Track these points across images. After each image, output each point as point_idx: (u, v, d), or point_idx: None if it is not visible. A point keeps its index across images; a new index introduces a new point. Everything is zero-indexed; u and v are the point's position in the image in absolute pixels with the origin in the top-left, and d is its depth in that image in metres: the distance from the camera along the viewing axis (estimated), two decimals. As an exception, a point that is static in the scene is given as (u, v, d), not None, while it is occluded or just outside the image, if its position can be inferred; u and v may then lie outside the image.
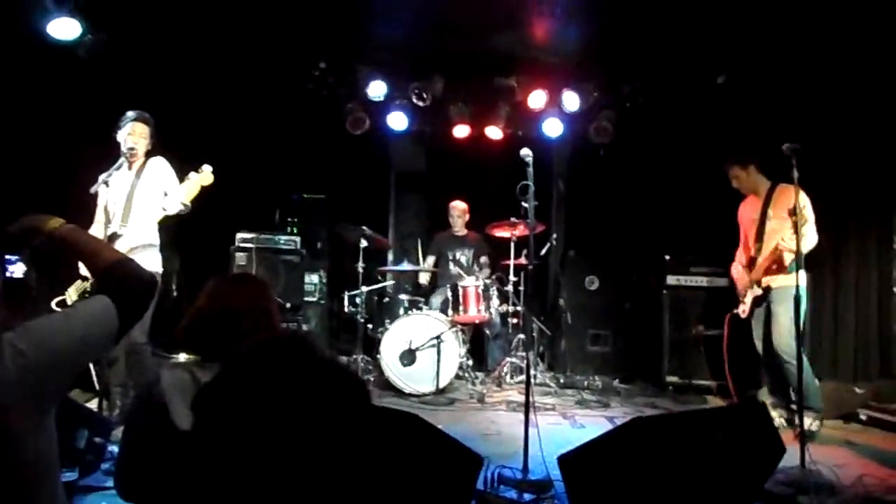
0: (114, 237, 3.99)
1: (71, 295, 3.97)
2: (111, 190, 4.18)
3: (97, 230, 4.15)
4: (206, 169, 3.85)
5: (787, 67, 5.52)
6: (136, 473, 1.49)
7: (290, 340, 1.76)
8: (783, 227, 4.37)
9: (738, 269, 4.88)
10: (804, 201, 4.10)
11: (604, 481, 2.47)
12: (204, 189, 3.83)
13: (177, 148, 4.39)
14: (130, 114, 4.18)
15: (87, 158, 4.46)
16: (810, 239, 4.34)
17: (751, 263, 4.72)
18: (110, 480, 3.08)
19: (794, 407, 4.36)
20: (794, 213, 3.77)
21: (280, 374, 1.64)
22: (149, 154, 4.22)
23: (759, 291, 4.65)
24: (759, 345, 4.68)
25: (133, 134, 4.14)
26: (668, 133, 6.63)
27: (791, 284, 4.37)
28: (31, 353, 1.27)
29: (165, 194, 4.04)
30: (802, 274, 4.26)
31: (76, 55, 5.20)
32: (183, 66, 5.88)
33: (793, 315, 4.30)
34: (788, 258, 4.41)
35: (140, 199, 4.08)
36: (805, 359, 4.40)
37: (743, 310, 4.75)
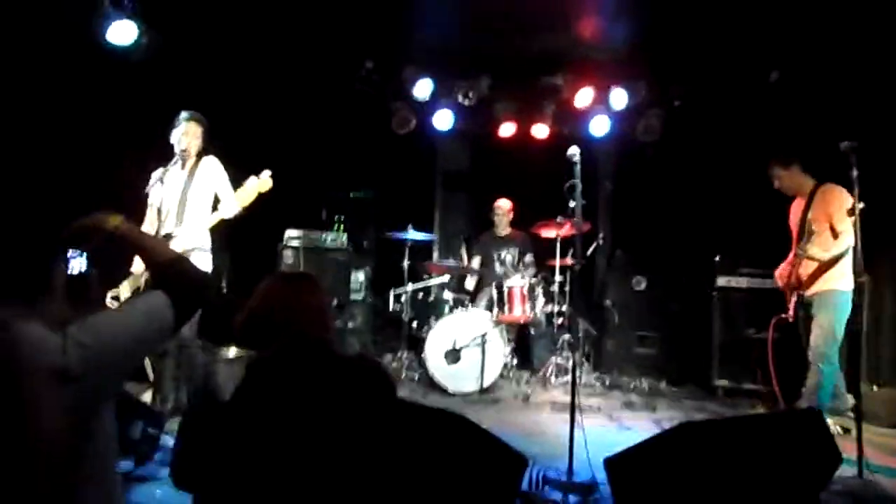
0: (167, 237, 4.07)
1: (125, 290, 4.09)
2: (165, 189, 4.26)
3: (149, 230, 4.25)
4: (265, 175, 3.90)
5: (845, 63, 5.32)
6: (193, 464, 1.54)
7: (308, 342, 1.80)
8: (821, 230, 4.31)
9: (783, 271, 4.76)
10: (849, 203, 3.94)
11: (650, 485, 2.43)
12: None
13: (227, 147, 4.47)
14: (184, 114, 4.26)
15: (138, 159, 4.57)
16: (843, 243, 4.21)
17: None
18: (164, 471, 3.17)
19: (850, 414, 4.22)
20: (852, 212, 3.65)
21: (294, 375, 1.68)
22: (201, 154, 4.30)
23: (801, 295, 4.55)
24: (804, 350, 4.57)
25: (186, 134, 4.23)
26: (717, 131, 6.48)
27: (830, 289, 4.29)
28: (93, 346, 1.31)
29: (217, 196, 4.10)
30: (847, 279, 4.14)
31: (129, 57, 5.33)
32: (232, 66, 6.00)
33: (828, 321, 4.23)
34: (815, 265, 4.35)
35: (193, 200, 4.16)
36: (835, 367, 4.31)
37: (790, 314, 4.64)
